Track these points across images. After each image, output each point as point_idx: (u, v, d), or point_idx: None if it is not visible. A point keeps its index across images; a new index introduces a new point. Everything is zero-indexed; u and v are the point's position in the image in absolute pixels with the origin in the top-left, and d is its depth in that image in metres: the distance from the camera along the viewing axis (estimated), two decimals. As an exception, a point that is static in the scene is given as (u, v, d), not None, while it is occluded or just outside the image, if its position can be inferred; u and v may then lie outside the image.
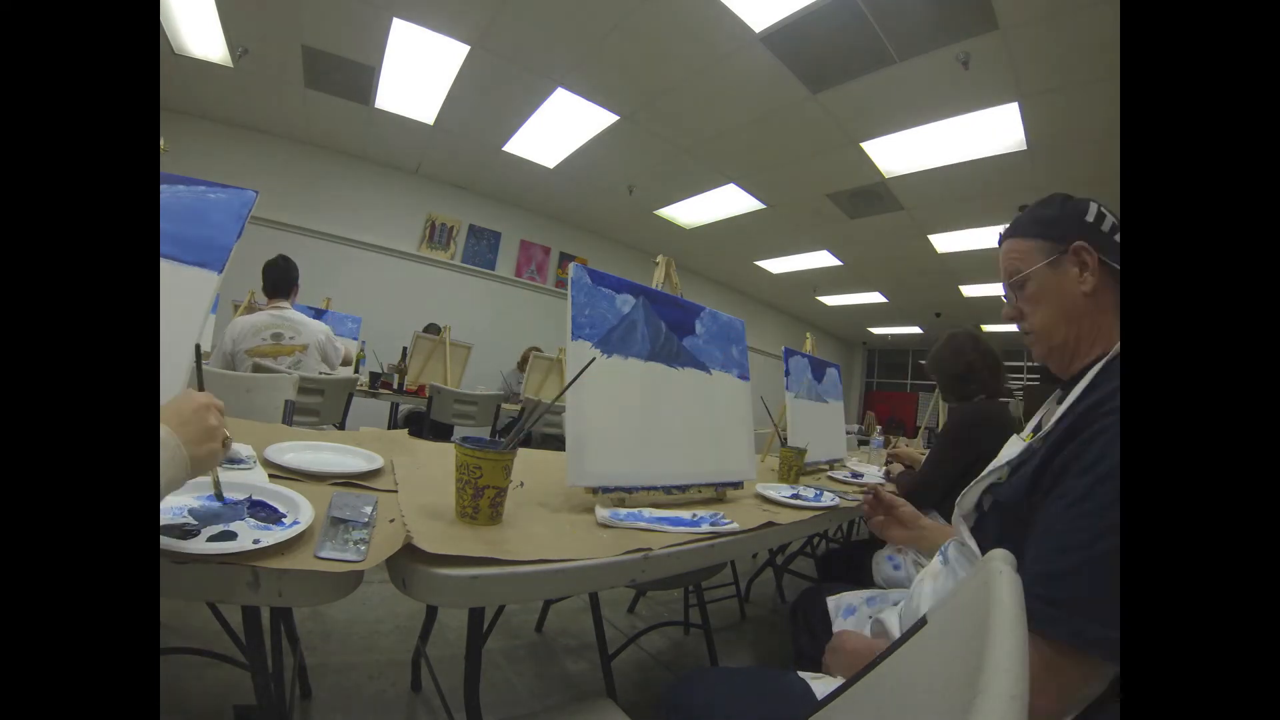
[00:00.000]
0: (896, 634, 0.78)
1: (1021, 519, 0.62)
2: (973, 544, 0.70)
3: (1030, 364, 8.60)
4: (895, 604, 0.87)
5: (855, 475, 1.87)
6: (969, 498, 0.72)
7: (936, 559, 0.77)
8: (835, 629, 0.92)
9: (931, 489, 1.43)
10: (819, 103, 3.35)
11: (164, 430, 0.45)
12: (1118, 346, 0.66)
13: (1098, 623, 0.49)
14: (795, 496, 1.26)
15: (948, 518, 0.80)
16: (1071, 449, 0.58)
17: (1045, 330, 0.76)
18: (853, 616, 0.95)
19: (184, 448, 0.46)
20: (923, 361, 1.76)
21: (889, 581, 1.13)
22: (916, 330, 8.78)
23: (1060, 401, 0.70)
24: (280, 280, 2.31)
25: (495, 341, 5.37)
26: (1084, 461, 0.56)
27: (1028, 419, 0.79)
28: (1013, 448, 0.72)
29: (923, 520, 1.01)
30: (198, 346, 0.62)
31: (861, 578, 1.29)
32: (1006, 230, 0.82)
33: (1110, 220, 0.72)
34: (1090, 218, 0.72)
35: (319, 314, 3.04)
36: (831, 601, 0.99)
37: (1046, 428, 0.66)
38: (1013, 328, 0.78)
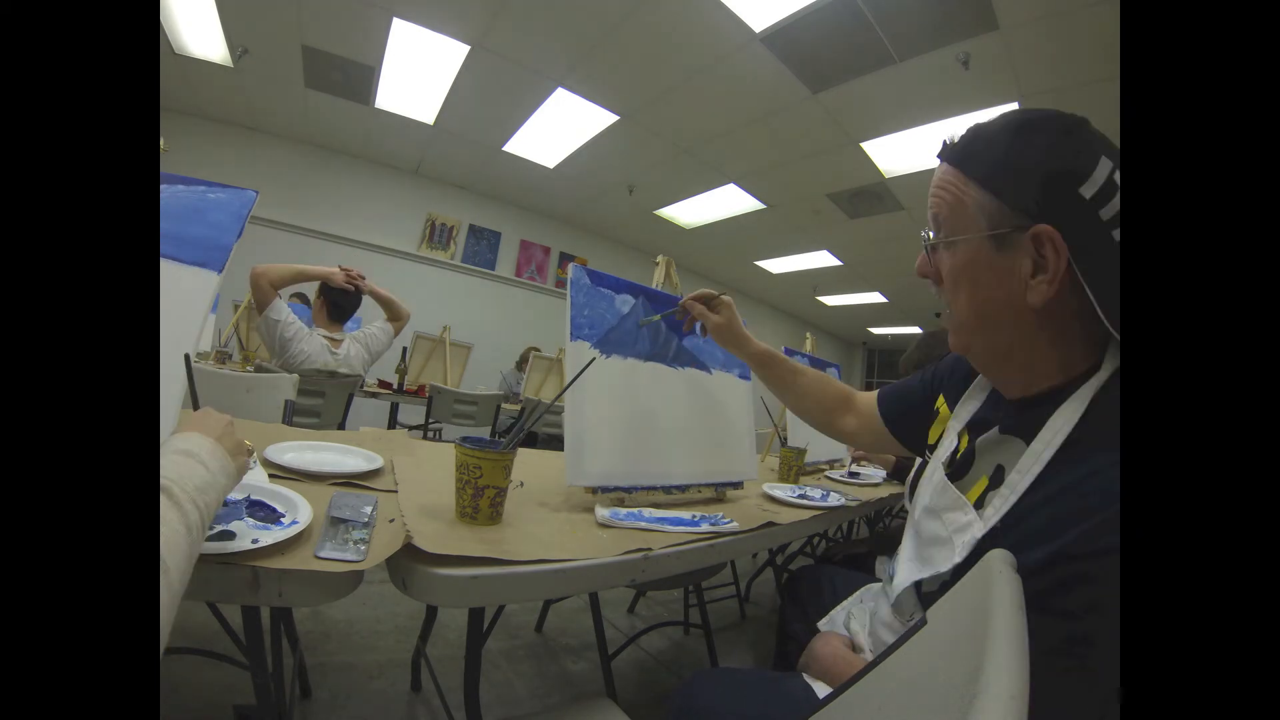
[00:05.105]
0: (863, 643, 0.75)
1: None
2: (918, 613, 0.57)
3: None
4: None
5: (852, 475, 1.87)
6: (900, 579, 0.59)
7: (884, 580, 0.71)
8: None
9: None
10: (819, 103, 3.35)
11: (210, 443, 0.46)
12: (1095, 380, 0.50)
13: None
14: (802, 496, 1.26)
15: None
16: (1048, 578, 0.43)
17: (963, 324, 0.57)
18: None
19: (230, 459, 0.47)
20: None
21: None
22: (916, 330, 8.77)
23: (1011, 432, 0.54)
24: (349, 308, 2.19)
25: (495, 341, 5.37)
26: (1056, 605, 0.42)
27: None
28: (950, 509, 0.55)
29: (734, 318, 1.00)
30: (187, 357, 0.62)
31: (863, 567, 1.30)
32: (952, 146, 0.55)
33: (1117, 204, 0.47)
34: (1090, 191, 0.46)
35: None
36: (840, 613, 0.90)
37: (1007, 507, 0.49)
38: None
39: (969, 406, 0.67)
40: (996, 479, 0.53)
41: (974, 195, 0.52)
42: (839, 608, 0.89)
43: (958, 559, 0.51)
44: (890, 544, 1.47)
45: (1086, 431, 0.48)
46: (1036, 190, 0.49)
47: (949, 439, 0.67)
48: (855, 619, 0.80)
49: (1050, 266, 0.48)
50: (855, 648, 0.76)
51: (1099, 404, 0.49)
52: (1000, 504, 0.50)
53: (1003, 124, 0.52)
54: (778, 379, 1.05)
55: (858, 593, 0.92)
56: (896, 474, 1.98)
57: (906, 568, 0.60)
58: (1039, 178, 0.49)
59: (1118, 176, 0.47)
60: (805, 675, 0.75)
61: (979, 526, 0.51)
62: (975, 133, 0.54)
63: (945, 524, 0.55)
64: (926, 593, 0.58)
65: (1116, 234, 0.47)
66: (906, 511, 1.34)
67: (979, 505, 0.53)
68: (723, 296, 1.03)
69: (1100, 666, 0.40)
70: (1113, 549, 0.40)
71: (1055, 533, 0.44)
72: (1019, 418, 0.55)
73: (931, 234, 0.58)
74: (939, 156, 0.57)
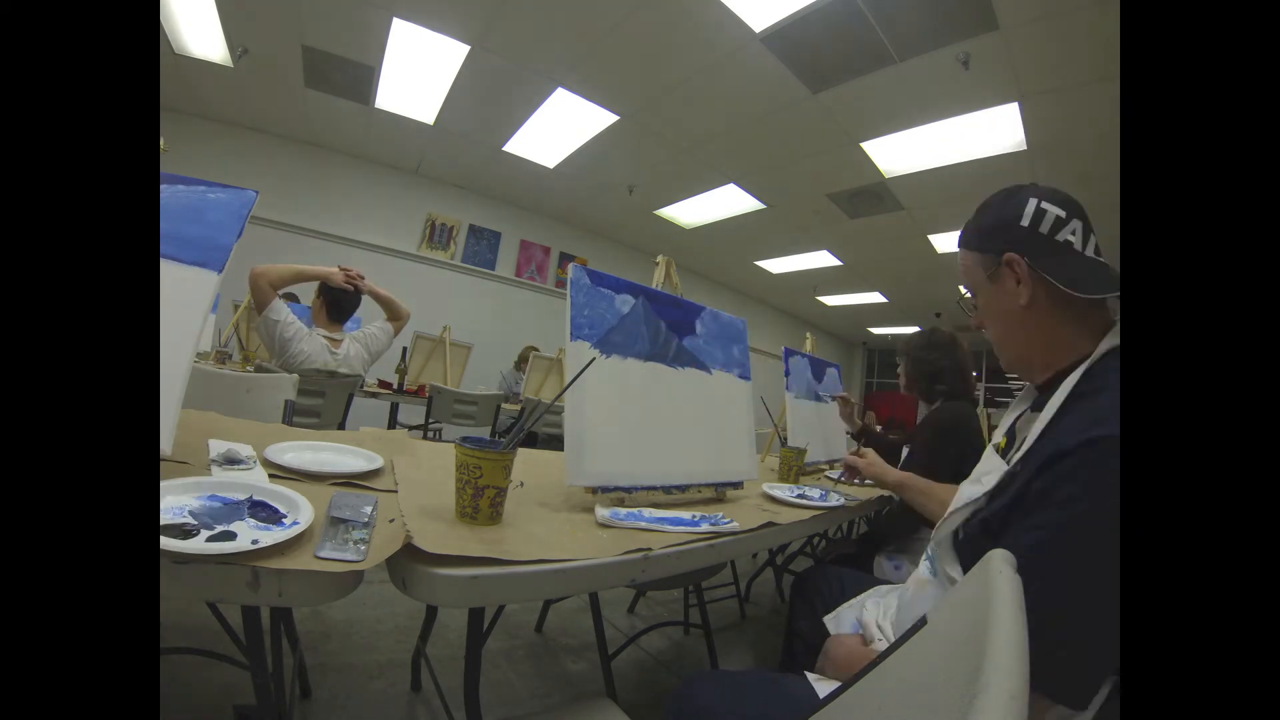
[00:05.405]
0: (874, 634, 0.79)
1: (993, 535, 0.60)
2: (956, 571, 0.67)
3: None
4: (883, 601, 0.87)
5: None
6: (946, 526, 0.69)
7: (924, 566, 0.75)
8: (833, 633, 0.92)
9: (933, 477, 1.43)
10: (819, 103, 3.35)
11: None
12: (1093, 354, 0.62)
13: (1052, 672, 0.48)
14: (802, 496, 1.26)
15: None
16: (1049, 476, 0.55)
17: (1000, 344, 0.75)
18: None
19: None
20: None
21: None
22: (916, 330, 8.76)
23: (1037, 409, 0.68)
24: (349, 307, 2.19)
25: (495, 341, 5.37)
26: (1057, 496, 0.53)
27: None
28: (989, 464, 0.68)
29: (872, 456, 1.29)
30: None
31: (861, 567, 1.30)
32: (958, 238, 0.79)
33: (1051, 216, 0.67)
34: (1026, 220, 0.67)
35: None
36: (849, 610, 0.94)
37: (1026, 446, 0.61)
38: None
39: (1006, 420, 0.79)
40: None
41: (972, 258, 0.75)
42: (847, 605, 0.90)
43: (988, 488, 0.63)
44: (884, 538, 1.47)
45: (1087, 386, 0.60)
46: (996, 237, 0.71)
47: (989, 451, 0.74)
48: (868, 611, 0.84)
49: (1021, 275, 0.68)
50: (866, 639, 0.79)
51: (1096, 367, 0.62)
52: (1023, 449, 0.62)
53: (975, 213, 0.75)
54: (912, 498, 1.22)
55: (869, 591, 0.93)
56: None
57: (944, 526, 0.69)
58: (996, 230, 0.71)
59: (1043, 205, 0.67)
60: (809, 675, 0.75)
61: (1004, 468, 0.63)
62: (962, 228, 0.77)
63: (982, 483, 0.66)
64: (963, 537, 0.67)
65: (1059, 237, 0.66)
66: (903, 507, 1.35)
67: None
68: (862, 449, 1.34)
69: (1107, 538, 0.45)
70: (1094, 439, 0.52)
71: (1055, 441, 0.56)
72: (1038, 399, 0.71)
73: (969, 295, 0.78)
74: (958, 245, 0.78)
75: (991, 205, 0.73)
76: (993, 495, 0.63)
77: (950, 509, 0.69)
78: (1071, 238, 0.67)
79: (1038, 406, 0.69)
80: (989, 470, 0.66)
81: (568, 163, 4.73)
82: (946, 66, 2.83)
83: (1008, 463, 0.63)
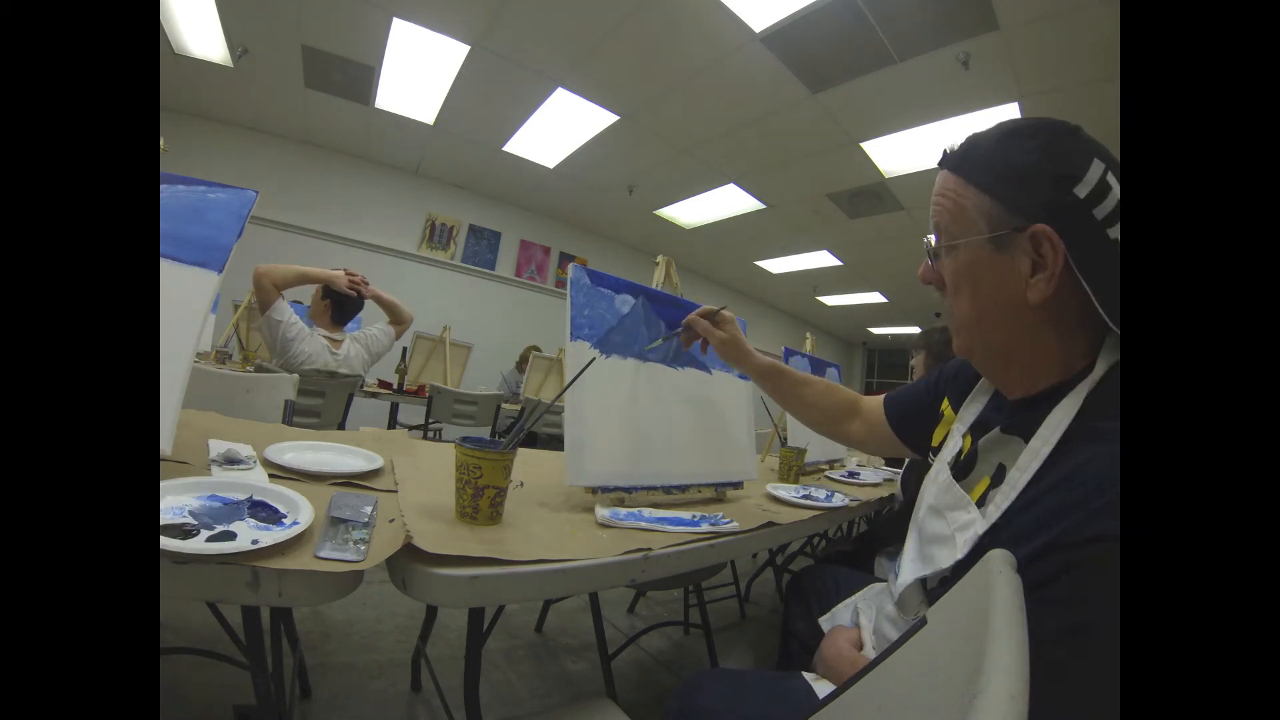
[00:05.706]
0: (868, 640, 0.75)
1: None
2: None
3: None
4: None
5: (852, 475, 1.87)
6: (908, 575, 0.60)
7: (892, 601, 0.69)
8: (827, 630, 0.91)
9: None
10: (819, 103, 3.35)
11: None
12: (1093, 376, 0.51)
13: None
14: (807, 497, 1.26)
15: None
16: (1038, 570, 0.43)
17: (965, 326, 0.59)
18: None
19: None
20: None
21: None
22: (916, 330, 8.76)
23: (1012, 431, 0.55)
24: (352, 310, 2.21)
25: (495, 341, 5.37)
26: (1058, 591, 0.42)
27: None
28: (957, 506, 0.55)
29: (738, 334, 1.02)
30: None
31: (861, 567, 1.30)
32: (952, 154, 0.57)
33: (1113, 199, 0.48)
34: (1084, 191, 0.48)
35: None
36: (844, 609, 0.90)
37: (1008, 503, 0.50)
38: None
39: (972, 409, 0.68)
40: (998, 478, 0.54)
41: (973, 199, 0.54)
42: (842, 604, 0.90)
43: (960, 555, 0.52)
44: (884, 539, 1.47)
45: (1081, 426, 0.49)
46: (1033, 192, 0.50)
47: (953, 441, 0.68)
48: (863, 614, 0.81)
49: (1049, 264, 0.50)
50: (860, 645, 0.76)
51: (1093, 400, 0.50)
52: (1001, 501, 0.51)
53: (999, 131, 0.54)
54: (783, 391, 1.06)
55: (862, 591, 0.92)
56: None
57: (909, 567, 0.62)
58: (1035, 180, 0.50)
59: (1110, 178, 0.49)
60: (807, 675, 0.75)
61: (981, 524, 0.52)
62: (973, 141, 0.56)
63: (949, 522, 0.56)
64: (931, 589, 0.59)
65: (1111, 232, 0.49)
66: (904, 508, 1.34)
67: (981, 504, 0.54)
68: (724, 311, 1.03)
69: (1104, 654, 0.39)
70: (1099, 537, 0.41)
71: (1048, 524, 0.45)
72: (1019, 416, 0.56)
73: (934, 239, 0.60)
74: (939, 165, 0.59)
75: (1037, 139, 0.50)
76: (962, 565, 0.52)
77: (907, 561, 0.61)
78: (1113, 234, 0.48)
79: (1014, 430, 0.56)
80: (959, 524, 0.54)
81: (568, 163, 4.73)
82: (946, 66, 2.83)
83: (982, 514, 0.52)
